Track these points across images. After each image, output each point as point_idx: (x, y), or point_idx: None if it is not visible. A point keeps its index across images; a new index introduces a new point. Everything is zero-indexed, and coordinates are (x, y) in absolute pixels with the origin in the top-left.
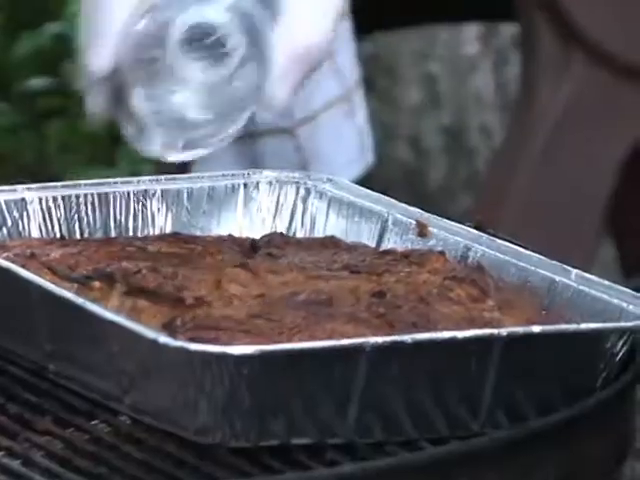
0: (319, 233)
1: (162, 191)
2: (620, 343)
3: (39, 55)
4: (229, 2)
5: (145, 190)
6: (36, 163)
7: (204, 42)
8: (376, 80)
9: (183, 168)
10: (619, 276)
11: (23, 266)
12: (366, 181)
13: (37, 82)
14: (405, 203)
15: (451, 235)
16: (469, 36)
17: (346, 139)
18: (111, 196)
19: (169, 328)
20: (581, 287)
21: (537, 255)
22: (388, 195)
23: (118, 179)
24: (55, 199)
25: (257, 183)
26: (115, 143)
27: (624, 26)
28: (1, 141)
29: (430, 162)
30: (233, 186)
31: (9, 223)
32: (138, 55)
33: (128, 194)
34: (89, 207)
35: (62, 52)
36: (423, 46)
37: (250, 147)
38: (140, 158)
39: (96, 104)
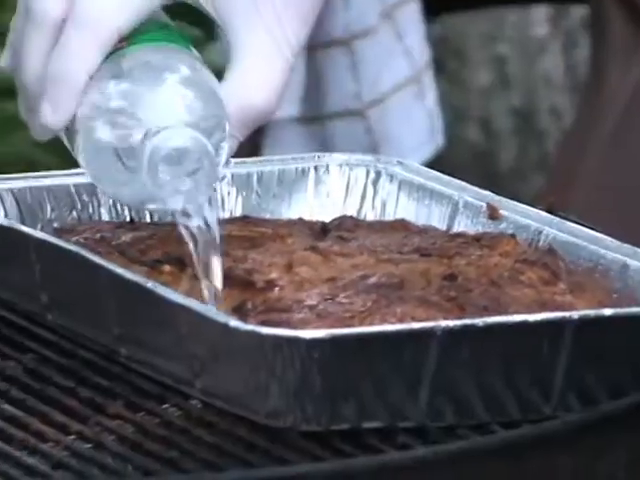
0: (389, 216)
1: (232, 174)
2: None
3: None
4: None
5: None
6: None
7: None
8: (445, 62)
9: (255, 151)
10: None
11: (93, 250)
12: (436, 163)
13: None
14: (475, 185)
15: (522, 218)
16: (538, 18)
17: (416, 121)
18: None
19: (239, 311)
20: None
21: (609, 238)
22: (458, 178)
23: None
24: None
25: (327, 166)
26: None
27: None
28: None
29: (500, 144)
30: (303, 169)
31: (79, 207)
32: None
33: None
34: None
35: None
36: (492, 28)
37: (320, 129)
38: None
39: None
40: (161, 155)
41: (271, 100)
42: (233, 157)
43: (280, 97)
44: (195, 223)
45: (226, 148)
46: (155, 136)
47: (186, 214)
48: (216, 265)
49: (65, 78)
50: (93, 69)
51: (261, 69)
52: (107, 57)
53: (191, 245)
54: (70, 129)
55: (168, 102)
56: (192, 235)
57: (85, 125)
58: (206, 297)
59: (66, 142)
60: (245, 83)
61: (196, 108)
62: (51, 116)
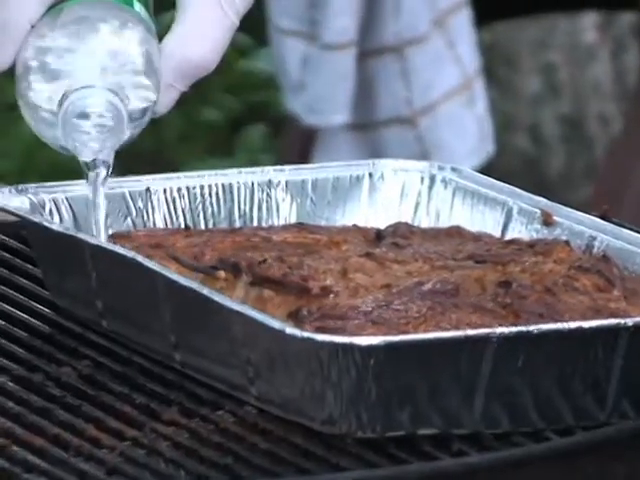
0: (444, 222)
1: (286, 181)
2: None
3: None
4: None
5: (269, 180)
6: (153, 152)
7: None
8: (495, 69)
9: (304, 158)
10: None
11: (148, 256)
12: (486, 171)
13: None
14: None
15: (576, 224)
16: (588, 25)
17: (466, 128)
18: (235, 186)
19: (295, 318)
20: None
21: None
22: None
23: (242, 169)
24: (179, 189)
25: (382, 173)
26: (233, 132)
27: None
28: None
29: (549, 151)
30: (358, 176)
31: (134, 213)
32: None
33: (252, 184)
34: (213, 197)
35: None
36: (542, 35)
37: (371, 137)
38: (258, 147)
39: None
40: (75, 113)
41: (207, 56)
42: (284, 164)
43: (219, 54)
44: (101, 175)
45: (152, 101)
46: (73, 94)
47: (92, 166)
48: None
49: (8, 25)
50: (34, 19)
51: (200, 25)
52: (49, 10)
53: (90, 194)
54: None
55: (94, 56)
56: (94, 184)
57: (22, 71)
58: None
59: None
60: (184, 37)
61: (120, 63)
62: None
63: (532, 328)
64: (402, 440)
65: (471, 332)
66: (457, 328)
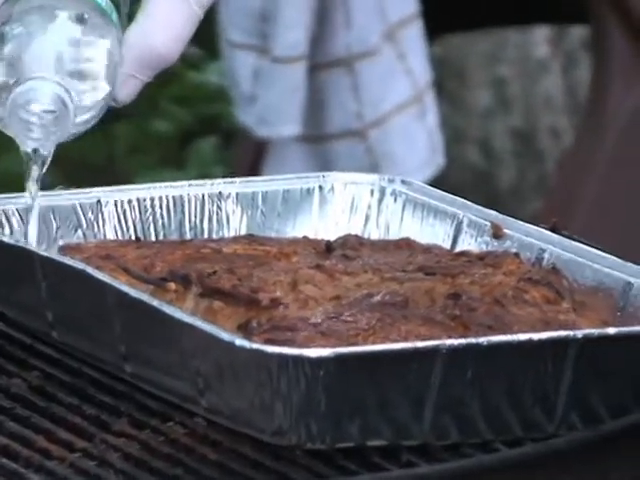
0: (394, 235)
1: (237, 193)
2: None
3: None
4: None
5: (220, 192)
6: (104, 163)
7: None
8: (446, 83)
9: (256, 170)
10: None
11: (98, 268)
12: (436, 184)
13: None
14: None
15: (526, 237)
16: (539, 39)
17: (417, 141)
18: (186, 198)
19: (245, 329)
20: None
21: (612, 257)
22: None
23: (192, 181)
24: (130, 201)
25: (332, 185)
26: (185, 145)
27: None
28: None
29: (500, 165)
30: (308, 189)
31: (84, 225)
32: None
33: (203, 196)
34: (164, 209)
35: None
36: (493, 49)
37: (322, 149)
38: (209, 160)
39: None
40: (19, 103)
41: (170, 46)
42: (235, 176)
43: (182, 44)
44: (37, 167)
45: (104, 91)
46: (21, 85)
47: (32, 157)
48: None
49: None
50: None
51: (164, 15)
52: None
53: (29, 181)
54: None
55: (50, 45)
56: (32, 172)
57: None
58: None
59: None
60: (147, 27)
61: (75, 53)
62: None
63: (481, 340)
64: (351, 451)
65: (420, 344)
66: (406, 340)
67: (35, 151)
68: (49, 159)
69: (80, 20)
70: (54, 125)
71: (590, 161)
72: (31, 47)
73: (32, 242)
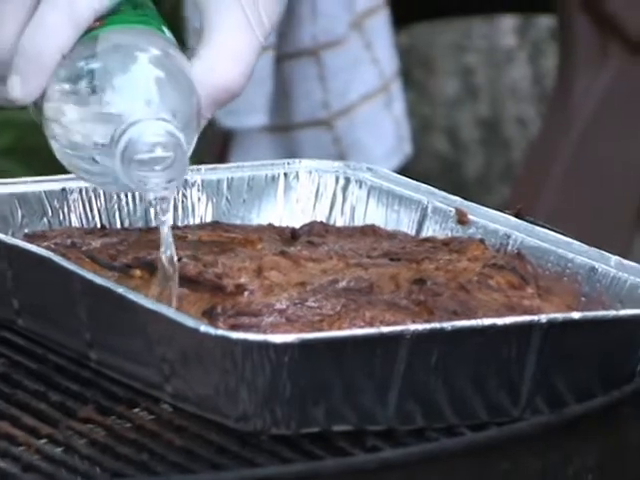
0: (359, 222)
1: (202, 181)
2: None
3: None
4: (164, 126)
5: (185, 180)
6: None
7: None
8: (413, 72)
9: (222, 160)
10: None
11: (63, 255)
12: (403, 172)
13: None
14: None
15: (491, 223)
16: (506, 28)
17: (384, 130)
18: None
19: (210, 316)
20: (620, 273)
21: (576, 242)
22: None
23: None
24: (95, 189)
25: (297, 172)
26: None
27: None
28: (32, 135)
29: (467, 154)
30: (273, 176)
31: (50, 213)
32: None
33: None
34: (129, 197)
35: None
36: (459, 38)
37: (288, 139)
38: None
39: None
40: (135, 150)
41: (241, 81)
42: (203, 164)
43: (248, 78)
44: (166, 216)
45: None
46: (129, 130)
47: (158, 206)
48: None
49: (37, 54)
50: (67, 48)
51: (233, 48)
52: (81, 37)
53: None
54: (39, 106)
55: (139, 86)
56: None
57: (54, 106)
58: (173, 299)
59: (35, 117)
60: (217, 62)
61: (167, 94)
62: (20, 90)
63: (446, 325)
64: (317, 436)
65: (385, 329)
66: (371, 325)
67: (159, 196)
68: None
69: (161, 59)
70: (173, 163)
71: (556, 150)
72: (114, 84)
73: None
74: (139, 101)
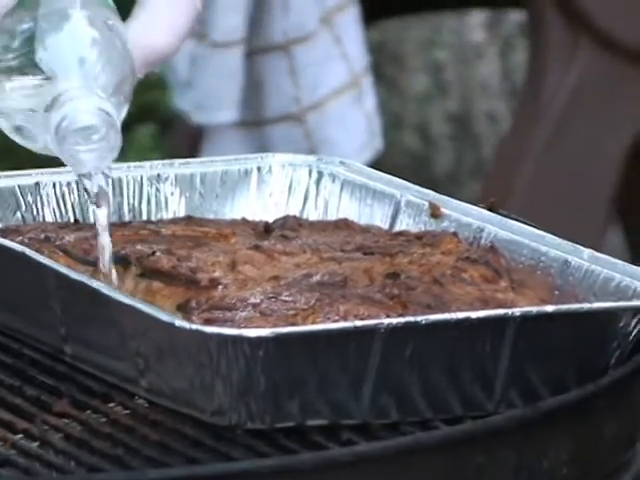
0: (332, 216)
1: (175, 175)
2: (633, 322)
3: None
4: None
5: (158, 175)
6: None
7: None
8: (383, 68)
9: (194, 156)
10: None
11: (37, 250)
12: (374, 168)
13: None
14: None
15: (464, 216)
16: (475, 23)
17: (355, 125)
18: (124, 180)
19: (184, 310)
20: (594, 266)
21: (550, 235)
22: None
23: (131, 164)
24: (69, 184)
25: (270, 166)
26: (122, 132)
27: (632, 13)
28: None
29: (437, 149)
30: (246, 170)
31: (23, 207)
32: None
33: (141, 178)
34: None
35: None
36: (429, 33)
37: (259, 134)
38: (147, 147)
39: None
40: (69, 130)
41: (173, 43)
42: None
43: (182, 40)
44: (94, 187)
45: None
46: (63, 107)
47: (87, 178)
48: (105, 238)
49: None
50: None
51: (166, 10)
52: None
53: (91, 210)
54: None
55: (72, 45)
56: (89, 195)
57: None
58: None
59: None
60: (149, 25)
61: (102, 54)
62: None
63: (420, 319)
64: (292, 431)
65: (359, 323)
66: (345, 319)
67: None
68: (110, 179)
69: (95, 20)
70: (105, 139)
71: (527, 145)
72: (49, 46)
73: None
74: (72, 59)
